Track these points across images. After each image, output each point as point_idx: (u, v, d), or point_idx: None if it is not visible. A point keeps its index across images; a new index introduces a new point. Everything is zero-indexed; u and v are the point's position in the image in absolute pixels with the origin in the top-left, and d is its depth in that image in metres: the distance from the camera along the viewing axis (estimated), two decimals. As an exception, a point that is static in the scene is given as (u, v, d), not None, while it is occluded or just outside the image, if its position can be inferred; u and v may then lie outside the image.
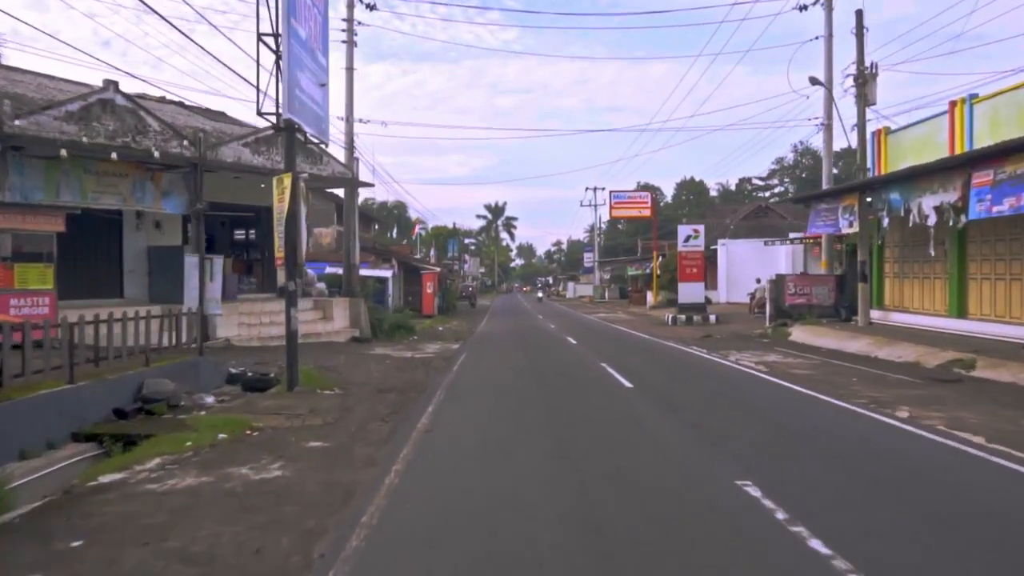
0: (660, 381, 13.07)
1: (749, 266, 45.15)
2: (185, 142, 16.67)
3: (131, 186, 16.22)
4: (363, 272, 26.43)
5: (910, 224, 19.00)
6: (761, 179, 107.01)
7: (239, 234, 24.65)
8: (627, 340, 23.65)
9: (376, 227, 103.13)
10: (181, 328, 12.59)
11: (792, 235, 42.91)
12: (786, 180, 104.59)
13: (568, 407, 10.41)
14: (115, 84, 15.45)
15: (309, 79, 12.21)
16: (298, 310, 12.24)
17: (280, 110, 11.35)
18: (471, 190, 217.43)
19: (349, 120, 24.63)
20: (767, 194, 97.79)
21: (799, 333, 22.10)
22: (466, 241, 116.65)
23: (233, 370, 12.80)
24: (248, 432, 8.56)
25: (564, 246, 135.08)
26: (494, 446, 7.87)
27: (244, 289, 21.64)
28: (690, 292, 31.78)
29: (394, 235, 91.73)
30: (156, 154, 15.75)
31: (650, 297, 48.73)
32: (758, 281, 32.81)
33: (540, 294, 73.68)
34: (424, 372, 14.60)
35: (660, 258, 46.95)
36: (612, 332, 27.56)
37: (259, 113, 11.53)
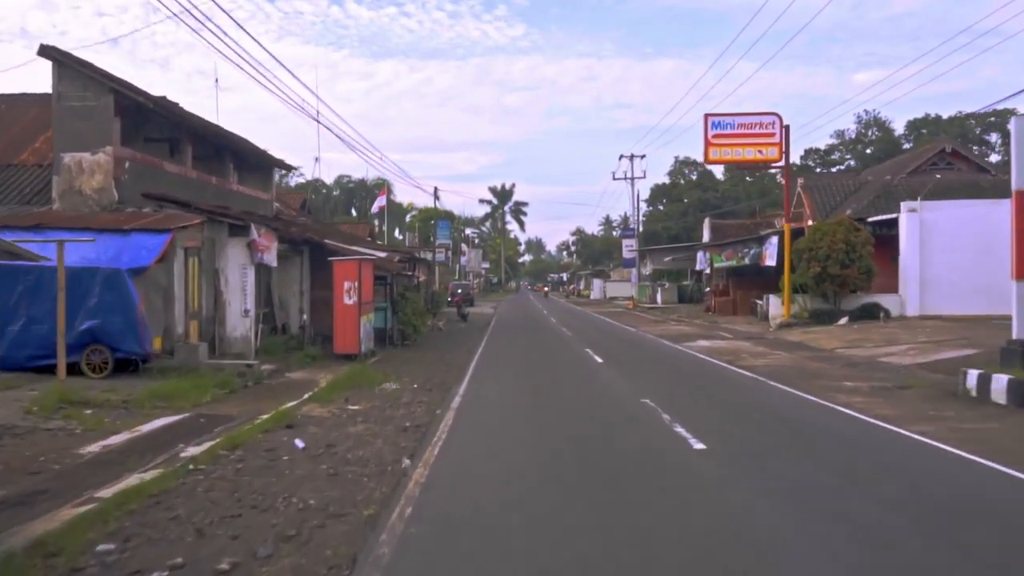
0: None
1: (960, 250, 24.78)
2: None
3: None
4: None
5: None
6: (820, 152, 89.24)
7: None
8: None
9: (354, 211, 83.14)
10: None
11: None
12: (847, 156, 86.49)
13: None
14: None
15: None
16: None
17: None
18: (479, 187, 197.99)
19: None
20: (834, 170, 78.29)
21: None
22: (468, 232, 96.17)
23: None
24: None
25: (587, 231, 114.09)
26: None
27: None
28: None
29: (385, 226, 71.58)
30: None
31: (773, 304, 28.17)
32: None
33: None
34: None
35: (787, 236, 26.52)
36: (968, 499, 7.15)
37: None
